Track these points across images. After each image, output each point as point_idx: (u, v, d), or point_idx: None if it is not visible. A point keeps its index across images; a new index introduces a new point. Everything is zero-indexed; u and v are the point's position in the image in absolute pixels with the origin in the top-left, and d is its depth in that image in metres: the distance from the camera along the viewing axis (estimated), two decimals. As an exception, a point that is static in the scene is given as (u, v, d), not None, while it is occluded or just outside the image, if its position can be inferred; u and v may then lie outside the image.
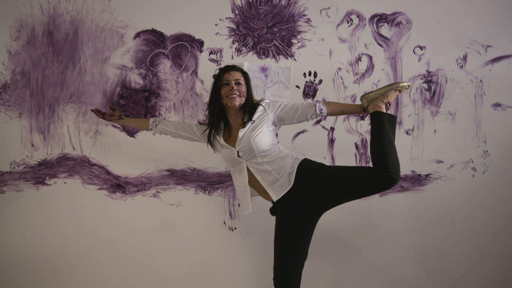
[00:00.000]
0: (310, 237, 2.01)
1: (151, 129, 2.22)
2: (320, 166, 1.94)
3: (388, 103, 2.01)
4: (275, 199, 1.93)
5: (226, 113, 2.07)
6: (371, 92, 2.03)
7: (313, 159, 2.01)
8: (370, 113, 1.99)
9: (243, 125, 1.99)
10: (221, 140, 2.03)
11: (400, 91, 2.02)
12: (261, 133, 1.95)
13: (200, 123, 2.18)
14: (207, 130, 2.08)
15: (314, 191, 1.89)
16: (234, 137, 2.01)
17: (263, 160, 1.93)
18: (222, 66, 2.58)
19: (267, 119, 2.00)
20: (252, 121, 1.98)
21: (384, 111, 1.97)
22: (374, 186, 1.81)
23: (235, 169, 2.03)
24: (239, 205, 2.63)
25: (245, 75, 2.06)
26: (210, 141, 2.06)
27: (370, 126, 2.59)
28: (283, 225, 2.02)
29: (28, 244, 2.63)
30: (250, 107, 2.02)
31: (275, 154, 1.95)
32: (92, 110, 2.34)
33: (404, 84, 2.00)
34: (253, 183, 2.01)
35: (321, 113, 2.02)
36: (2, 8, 2.58)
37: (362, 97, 2.05)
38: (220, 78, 2.01)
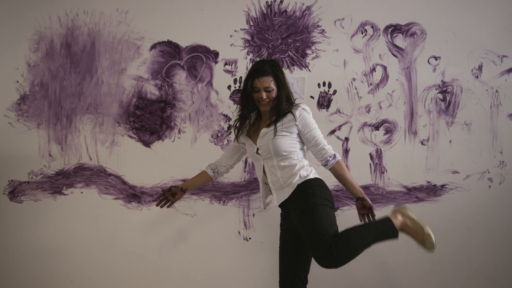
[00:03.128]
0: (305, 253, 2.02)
1: (215, 178, 2.22)
2: (312, 196, 1.86)
3: (413, 237, 1.84)
4: (275, 204, 1.99)
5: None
6: (410, 212, 1.89)
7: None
8: (385, 217, 1.85)
9: (269, 124, 1.99)
10: (244, 137, 2.09)
11: (423, 244, 1.81)
12: (282, 138, 1.94)
13: (237, 138, 2.11)
14: (238, 126, 2.09)
15: (294, 211, 1.91)
16: (259, 132, 2.02)
17: (278, 163, 1.95)
18: (239, 72, 2.61)
19: (292, 129, 1.96)
20: (274, 127, 1.95)
21: (397, 224, 1.82)
22: (315, 248, 1.73)
23: (255, 163, 2.10)
24: (253, 215, 2.64)
25: (276, 77, 1.95)
26: (237, 136, 2.09)
27: (383, 141, 2.60)
28: (282, 237, 2.10)
29: (45, 253, 2.66)
30: (277, 107, 1.97)
31: (289, 162, 1.95)
32: (163, 196, 2.16)
33: (432, 241, 1.80)
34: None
35: (324, 165, 1.99)
36: (22, 21, 2.63)
37: (399, 208, 1.92)
38: (250, 85, 1.96)
